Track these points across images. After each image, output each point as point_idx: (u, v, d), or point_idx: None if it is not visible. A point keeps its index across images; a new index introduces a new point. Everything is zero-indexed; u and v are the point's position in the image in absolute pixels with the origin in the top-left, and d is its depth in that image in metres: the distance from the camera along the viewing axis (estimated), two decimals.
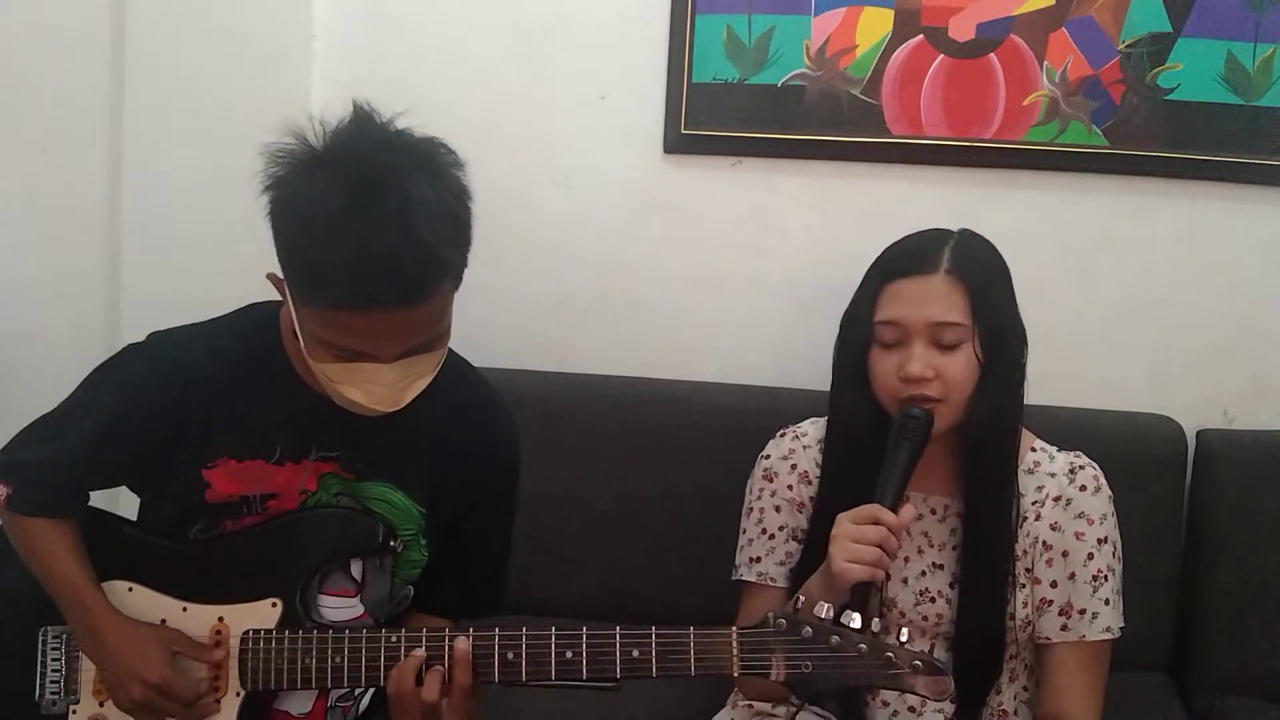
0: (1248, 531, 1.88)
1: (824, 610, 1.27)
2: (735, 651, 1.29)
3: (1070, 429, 1.84)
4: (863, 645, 1.26)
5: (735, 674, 1.30)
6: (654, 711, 1.79)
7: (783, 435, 1.68)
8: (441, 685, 1.34)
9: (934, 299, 1.47)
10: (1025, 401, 1.94)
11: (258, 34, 2.11)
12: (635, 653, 1.32)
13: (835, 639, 1.26)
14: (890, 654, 1.26)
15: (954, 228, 1.57)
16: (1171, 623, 1.94)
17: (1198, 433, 1.98)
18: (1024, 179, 2.04)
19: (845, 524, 1.40)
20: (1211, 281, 2.02)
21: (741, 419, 1.88)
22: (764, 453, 1.68)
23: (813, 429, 1.66)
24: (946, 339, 1.46)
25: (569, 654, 1.33)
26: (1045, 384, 2.00)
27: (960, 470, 1.53)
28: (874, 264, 1.56)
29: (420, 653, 1.35)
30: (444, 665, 1.34)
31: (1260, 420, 2.01)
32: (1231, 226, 2.00)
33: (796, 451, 1.65)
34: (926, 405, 1.45)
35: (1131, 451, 1.91)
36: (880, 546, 1.37)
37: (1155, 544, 1.91)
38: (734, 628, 1.31)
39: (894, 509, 1.40)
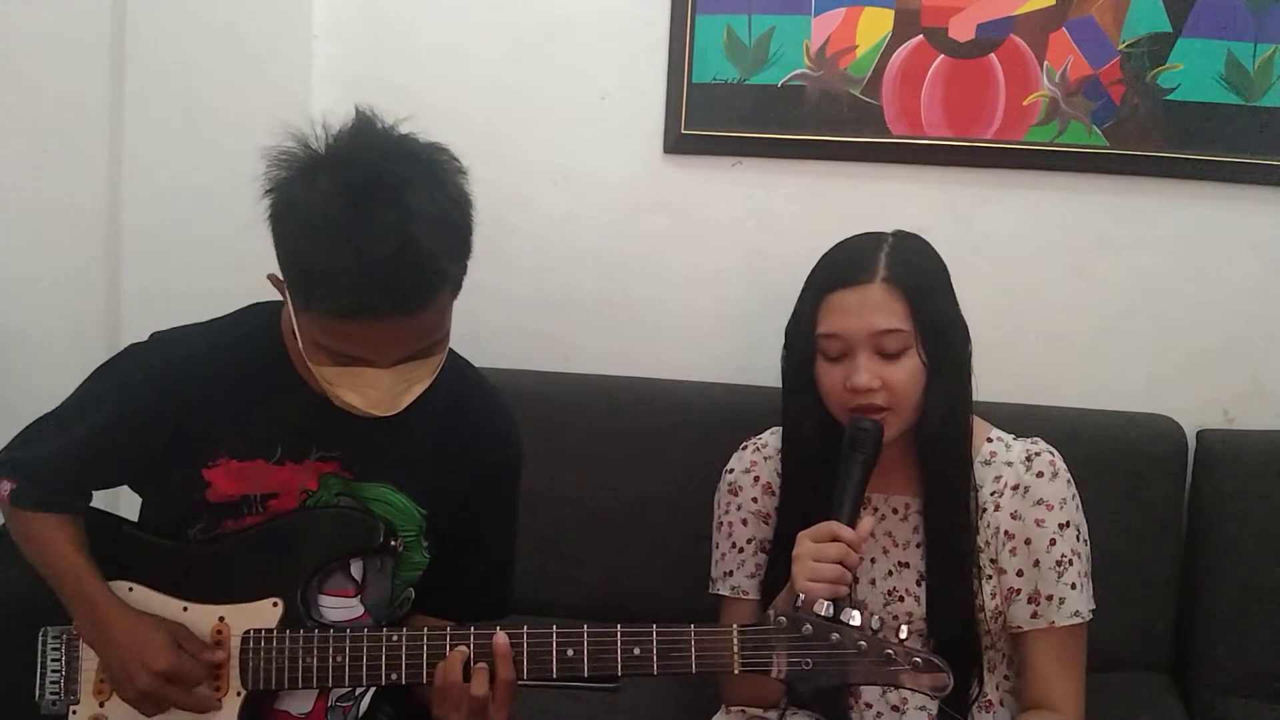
0: (1248, 531, 1.88)
1: (824, 608, 1.28)
2: (736, 649, 1.30)
3: (1070, 429, 1.84)
4: (863, 643, 1.26)
5: (736, 671, 1.30)
6: (654, 711, 1.79)
7: (744, 448, 1.69)
8: (488, 680, 1.34)
9: (872, 309, 1.47)
10: (1026, 402, 1.95)
11: (257, 34, 2.11)
12: (636, 650, 1.32)
13: (835, 636, 1.27)
14: (890, 651, 1.26)
15: (888, 229, 1.57)
16: (1171, 623, 1.94)
17: (1198, 433, 1.98)
18: (1024, 179, 2.03)
19: (805, 543, 1.40)
20: (1211, 282, 2.02)
21: (741, 419, 1.88)
22: (728, 466, 1.69)
23: (773, 439, 1.67)
24: (889, 347, 1.47)
25: (570, 652, 1.33)
26: (1045, 384, 2.01)
27: (917, 470, 1.54)
28: (811, 274, 1.56)
29: (464, 649, 1.35)
30: (486, 662, 1.34)
31: (1260, 420, 2.01)
32: (1231, 226, 2.00)
33: (758, 463, 1.65)
34: (875, 415, 1.46)
35: (1131, 451, 1.91)
36: (841, 563, 1.37)
37: (1155, 544, 1.91)
38: (735, 625, 1.31)
39: (852, 522, 1.40)
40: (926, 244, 1.57)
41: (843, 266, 1.52)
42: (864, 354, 1.47)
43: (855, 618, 1.27)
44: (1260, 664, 1.86)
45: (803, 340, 1.53)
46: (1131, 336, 2.05)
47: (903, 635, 1.27)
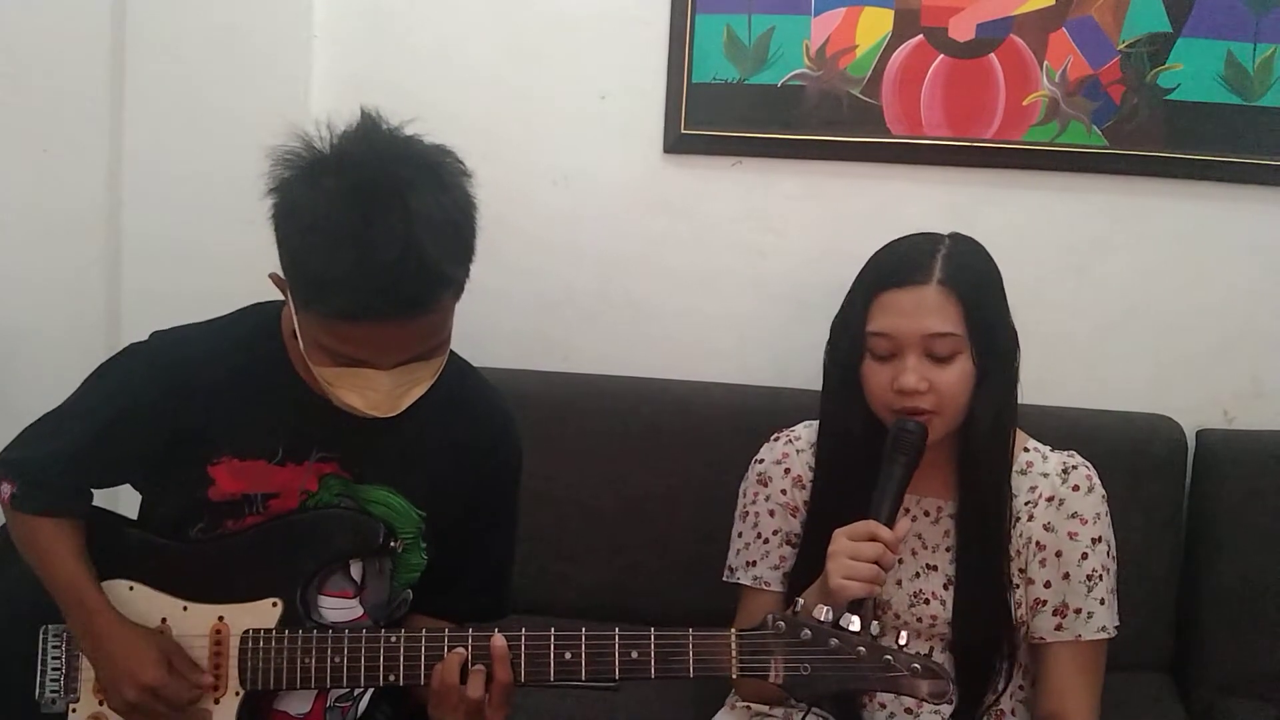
0: (1248, 531, 1.88)
1: (823, 613, 1.27)
2: (734, 653, 1.29)
3: (1070, 429, 1.84)
4: (861, 648, 1.26)
5: (734, 675, 1.30)
6: (653, 711, 1.79)
7: (776, 439, 1.68)
8: (484, 683, 1.34)
9: (926, 310, 1.46)
10: (1025, 402, 1.94)
11: (258, 34, 2.11)
12: (634, 654, 1.32)
13: (834, 642, 1.26)
14: (889, 657, 1.26)
15: (945, 230, 1.56)
16: (1171, 623, 1.94)
17: (1198, 433, 1.98)
18: (1024, 179, 2.03)
19: (842, 541, 1.39)
20: (1211, 281, 2.02)
21: (741, 419, 1.88)
22: (758, 456, 1.68)
23: (806, 432, 1.66)
24: (940, 350, 1.46)
25: (568, 655, 1.33)
26: (1045, 384, 2.00)
27: (955, 474, 1.53)
28: (863, 271, 1.55)
29: (463, 650, 1.35)
30: (484, 664, 1.34)
31: (1260, 420, 2.01)
32: (1231, 226, 2.00)
33: (790, 455, 1.64)
34: (920, 417, 1.45)
35: (1131, 451, 1.91)
36: (877, 563, 1.37)
37: (1155, 544, 1.91)
38: (733, 629, 1.31)
39: (890, 523, 1.40)
40: (982, 248, 1.56)
41: (898, 266, 1.51)
42: (913, 355, 1.46)
43: (854, 623, 1.26)
44: (1260, 664, 1.87)
45: (850, 338, 1.52)
46: (1131, 336, 2.05)
47: (902, 640, 1.27)
